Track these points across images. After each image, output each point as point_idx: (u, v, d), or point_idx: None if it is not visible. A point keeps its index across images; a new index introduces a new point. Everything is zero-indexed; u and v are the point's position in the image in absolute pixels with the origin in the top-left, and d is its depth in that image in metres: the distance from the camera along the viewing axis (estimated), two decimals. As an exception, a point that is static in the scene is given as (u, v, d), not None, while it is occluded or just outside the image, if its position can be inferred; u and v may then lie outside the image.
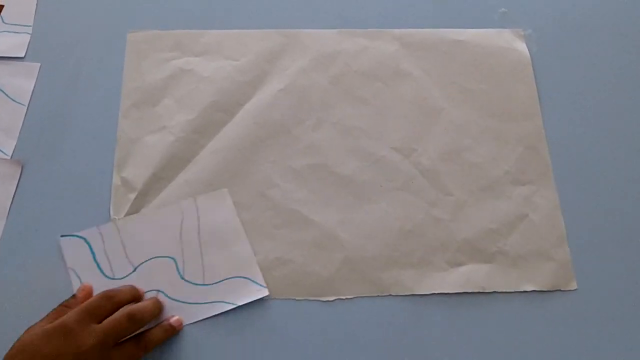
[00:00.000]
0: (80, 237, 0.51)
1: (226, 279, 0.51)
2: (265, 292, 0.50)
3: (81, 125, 0.57)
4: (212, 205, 0.53)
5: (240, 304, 0.50)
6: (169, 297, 0.50)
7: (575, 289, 0.52)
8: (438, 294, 0.51)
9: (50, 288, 0.50)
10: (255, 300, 0.50)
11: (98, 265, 0.50)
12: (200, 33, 0.61)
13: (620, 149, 0.57)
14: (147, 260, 0.51)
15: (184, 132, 0.56)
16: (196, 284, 0.50)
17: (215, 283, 0.50)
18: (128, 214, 0.52)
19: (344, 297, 0.51)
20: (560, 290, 0.52)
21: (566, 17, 0.64)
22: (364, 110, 0.58)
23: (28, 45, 0.61)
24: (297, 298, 0.51)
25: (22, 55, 0.60)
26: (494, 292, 0.51)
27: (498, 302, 0.51)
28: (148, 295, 0.50)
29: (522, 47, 0.61)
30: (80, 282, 0.50)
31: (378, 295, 0.51)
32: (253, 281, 0.51)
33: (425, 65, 0.60)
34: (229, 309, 0.50)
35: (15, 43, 0.61)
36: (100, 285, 0.49)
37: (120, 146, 0.56)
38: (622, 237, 0.54)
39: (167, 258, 0.51)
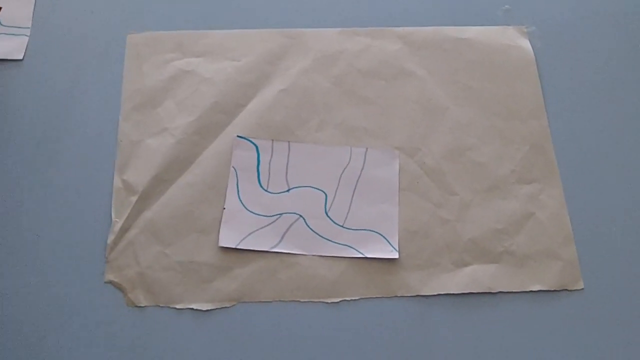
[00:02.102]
0: (253, 143, 0.54)
1: (364, 229, 0.52)
2: (395, 255, 0.51)
3: (81, 128, 0.56)
4: (380, 161, 0.55)
5: (369, 256, 0.51)
6: (307, 225, 0.52)
7: (581, 289, 0.51)
8: (444, 294, 0.51)
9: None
10: (260, 302, 0.50)
11: (258, 174, 0.54)
12: (200, 34, 0.60)
13: (627, 146, 0.57)
14: (301, 187, 0.53)
15: (186, 134, 0.55)
16: (335, 223, 0.52)
17: (353, 229, 0.52)
18: (130, 216, 0.52)
19: (349, 299, 0.50)
20: (566, 289, 0.51)
21: (570, 13, 0.64)
22: (368, 110, 0.57)
23: (26, 48, 0.60)
24: (301, 300, 0.50)
25: (21, 57, 0.59)
26: (500, 292, 0.51)
27: (504, 302, 0.51)
28: (289, 217, 0.52)
29: (525, 44, 0.61)
30: (237, 181, 0.52)
31: (384, 297, 0.50)
32: (388, 241, 0.52)
33: (429, 64, 0.60)
34: (356, 256, 0.51)
35: (14, 46, 0.60)
36: (252, 191, 0.53)
37: (121, 149, 0.55)
38: (628, 236, 0.53)
39: (319, 191, 0.53)
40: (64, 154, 0.55)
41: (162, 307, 0.50)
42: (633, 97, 0.59)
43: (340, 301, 0.50)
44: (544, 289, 0.51)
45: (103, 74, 0.59)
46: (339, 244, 0.52)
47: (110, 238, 0.52)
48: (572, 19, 0.63)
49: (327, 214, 0.53)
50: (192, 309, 0.50)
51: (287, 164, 0.54)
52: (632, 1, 0.64)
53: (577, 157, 0.56)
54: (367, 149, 0.55)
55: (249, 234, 0.52)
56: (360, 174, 0.54)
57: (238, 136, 0.55)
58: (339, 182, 0.54)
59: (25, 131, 0.56)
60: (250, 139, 0.55)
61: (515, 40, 0.61)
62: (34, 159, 0.55)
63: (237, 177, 0.53)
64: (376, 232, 0.52)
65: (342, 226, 0.53)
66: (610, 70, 0.61)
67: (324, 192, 0.54)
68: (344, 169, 0.54)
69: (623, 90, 0.60)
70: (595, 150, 0.57)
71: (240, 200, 0.53)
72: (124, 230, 0.52)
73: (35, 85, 0.58)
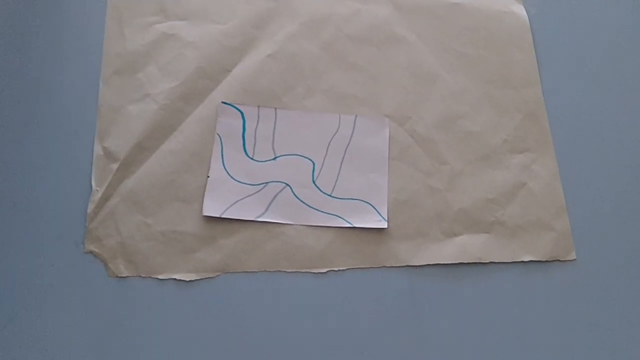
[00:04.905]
0: (239, 110, 0.52)
1: (353, 199, 0.51)
2: (384, 225, 0.50)
3: (60, 93, 0.54)
4: (370, 128, 0.53)
5: (357, 226, 0.50)
6: (294, 194, 0.50)
7: (574, 259, 0.50)
8: (433, 265, 0.50)
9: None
10: (245, 273, 0.48)
11: (243, 141, 0.52)
12: (184, -4, 0.58)
13: (622, 116, 0.56)
14: (288, 155, 0.52)
15: (169, 100, 0.53)
16: (323, 193, 0.51)
17: (341, 199, 0.51)
18: (110, 185, 0.50)
19: (336, 269, 0.49)
20: (558, 260, 0.50)
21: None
22: (357, 77, 0.55)
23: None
24: (287, 270, 0.49)
25: (-3, 20, 0.57)
26: (491, 262, 0.50)
27: (495, 273, 0.50)
28: (276, 186, 0.51)
29: (520, 10, 0.59)
30: (222, 149, 0.51)
31: (372, 267, 0.49)
32: (377, 211, 0.50)
33: (420, 30, 0.58)
34: (344, 226, 0.50)
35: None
36: (237, 159, 0.51)
37: (101, 115, 0.53)
38: (621, 207, 0.52)
39: (307, 159, 0.52)
40: (42, 119, 0.53)
41: (143, 277, 0.48)
42: (628, 66, 0.58)
43: (328, 271, 0.49)
44: (536, 259, 0.50)
45: (83, 37, 0.56)
46: (327, 213, 0.51)
47: (91, 207, 0.50)
48: (568, -16, 0.61)
49: (314, 182, 0.51)
50: (174, 279, 0.48)
51: (274, 131, 0.53)
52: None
53: (571, 126, 0.55)
54: (356, 116, 0.54)
55: (234, 203, 0.50)
56: (349, 142, 0.53)
57: (223, 102, 0.53)
58: (327, 150, 0.52)
59: (2, 96, 0.54)
60: (236, 106, 0.53)
61: (509, 6, 0.59)
62: (11, 124, 0.53)
63: (221, 144, 0.52)
64: (365, 202, 0.51)
65: (329, 195, 0.51)
66: (606, 38, 0.59)
67: (311, 161, 0.52)
68: (333, 136, 0.53)
69: (619, 58, 0.58)
70: (589, 120, 0.55)
71: (225, 169, 0.51)
72: (105, 199, 0.50)
73: (11, 48, 0.56)
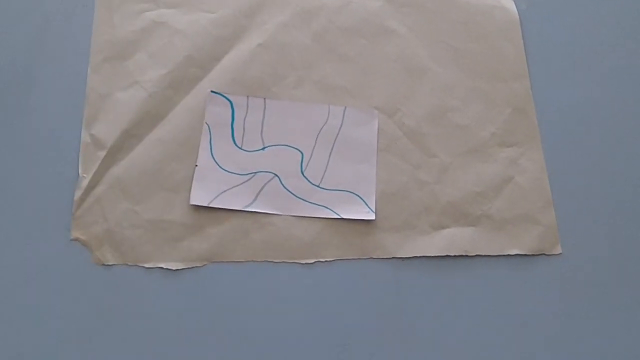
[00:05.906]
0: (228, 99, 0.52)
1: (341, 190, 0.51)
2: (372, 216, 0.50)
3: (48, 80, 0.53)
4: (359, 120, 0.53)
5: (345, 217, 0.50)
6: (282, 185, 0.50)
7: (559, 254, 0.51)
8: (420, 257, 0.50)
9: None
10: (232, 263, 0.48)
11: (232, 131, 0.52)
12: (174, -17, 0.58)
13: (609, 110, 0.56)
14: (277, 145, 0.51)
15: (157, 88, 0.53)
16: (312, 183, 0.51)
17: (330, 189, 0.51)
18: (97, 172, 0.50)
19: (323, 260, 0.49)
20: (544, 254, 0.51)
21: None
22: (347, 69, 0.55)
23: (-10, -6, 0.57)
24: (275, 261, 0.49)
25: (-16, 4, 0.56)
26: (477, 255, 0.50)
27: (481, 266, 0.50)
28: (264, 176, 0.51)
29: (510, 5, 0.59)
30: (211, 138, 0.51)
31: (359, 258, 0.49)
32: (365, 202, 0.50)
33: (411, 23, 0.58)
34: (332, 217, 0.50)
35: (-24, -9, 0.57)
36: (225, 149, 0.51)
37: (89, 102, 0.53)
38: (607, 201, 0.53)
39: (296, 150, 0.51)
40: (30, 106, 0.52)
41: (130, 265, 0.48)
42: (619, 59, 0.58)
43: (315, 262, 0.49)
44: (522, 253, 0.50)
45: (72, 24, 0.56)
46: (315, 204, 0.51)
47: (77, 194, 0.50)
48: (559, -20, 0.62)
49: (303, 173, 0.51)
50: (161, 268, 0.48)
51: (263, 121, 0.52)
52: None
53: (559, 120, 0.55)
54: (345, 107, 0.54)
55: (222, 192, 0.50)
56: (338, 133, 0.53)
57: (212, 91, 0.53)
58: (316, 141, 0.52)
59: (-13, 82, 0.53)
60: (225, 95, 0.53)
61: (500, 1, 0.59)
62: (-3, 110, 0.52)
63: (210, 133, 0.52)
64: (353, 193, 0.51)
65: (318, 186, 0.51)
66: (594, 33, 0.59)
67: (300, 151, 0.52)
68: (322, 127, 0.53)
69: (606, 54, 0.58)
70: (577, 114, 0.56)
71: (213, 158, 0.51)
72: (92, 186, 0.50)
73: (-2, 34, 0.55)
